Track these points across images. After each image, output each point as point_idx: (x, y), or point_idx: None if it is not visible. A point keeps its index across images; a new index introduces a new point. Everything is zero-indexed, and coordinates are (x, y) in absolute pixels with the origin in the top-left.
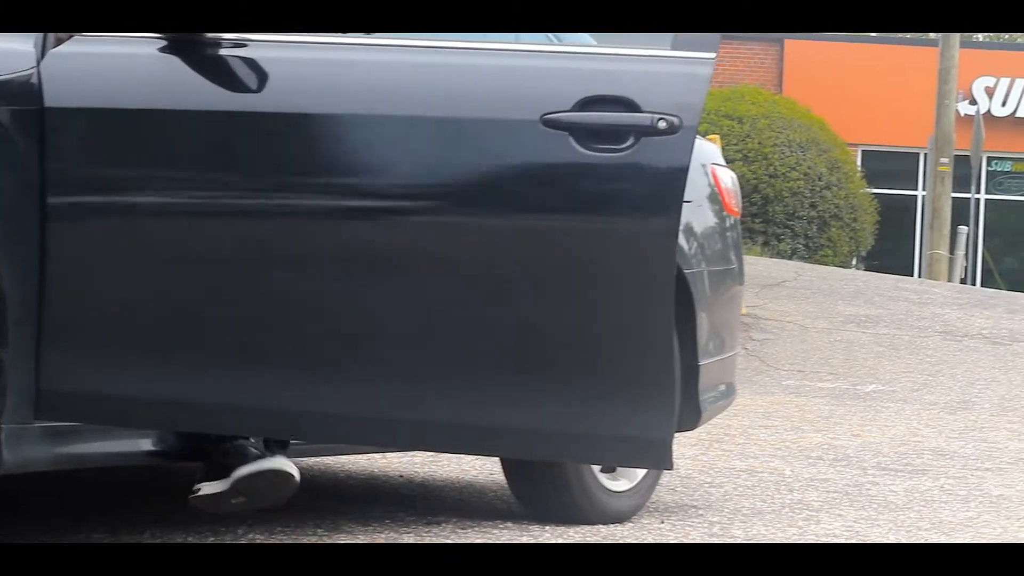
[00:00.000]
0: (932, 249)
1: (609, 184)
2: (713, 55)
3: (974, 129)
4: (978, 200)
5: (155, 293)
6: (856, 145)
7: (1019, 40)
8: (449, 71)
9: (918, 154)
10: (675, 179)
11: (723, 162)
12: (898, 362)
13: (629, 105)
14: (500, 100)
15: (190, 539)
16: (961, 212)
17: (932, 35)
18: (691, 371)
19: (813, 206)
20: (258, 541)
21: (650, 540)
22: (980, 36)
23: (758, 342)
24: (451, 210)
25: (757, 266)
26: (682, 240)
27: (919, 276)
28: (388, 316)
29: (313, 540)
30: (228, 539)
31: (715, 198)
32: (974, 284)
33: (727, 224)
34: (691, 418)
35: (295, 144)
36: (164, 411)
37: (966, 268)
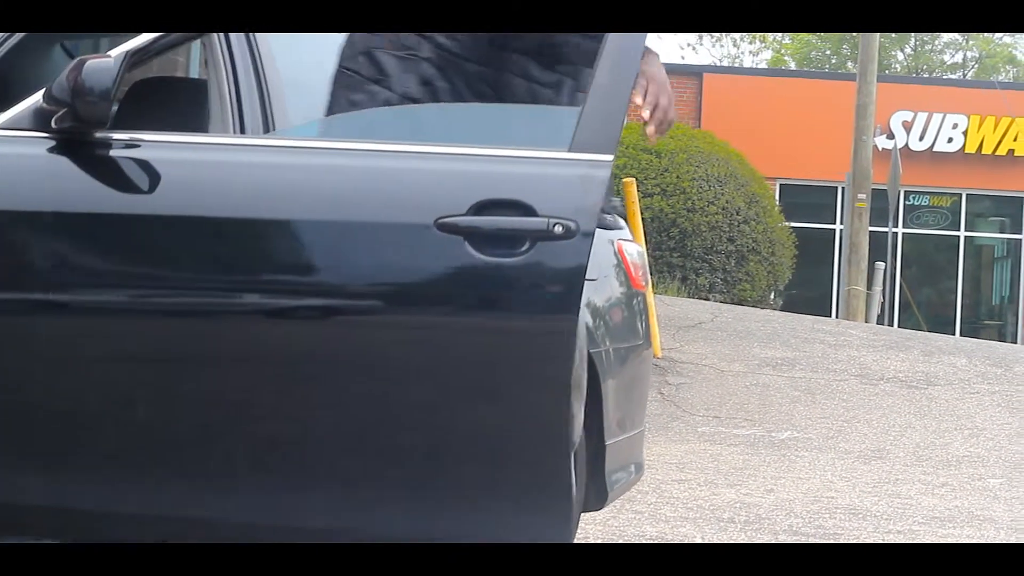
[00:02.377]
0: (850, 285)
1: (505, 288)
2: (611, 157)
3: (891, 165)
4: (896, 234)
5: (32, 396)
6: (774, 179)
7: (936, 74)
8: (344, 173)
9: (836, 188)
10: (572, 282)
11: (629, 236)
12: (813, 407)
13: (525, 209)
14: (394, 204)
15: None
16: (879, 245)
17: (851, 68)
18: (598, 451)
19: (731, 240)
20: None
21: None
22: (898, 67)
23: (674, 387)
24: (346, 314)
25: (674, 307)
26: (588, 318)
27: (837, 309)
28: (283, 420)
29: None
30: None
31: (621, 273)
32: (891, 319)
33: (634, 298)
34: (598, 499)
35: (188, 247)
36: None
37: (883, 304)
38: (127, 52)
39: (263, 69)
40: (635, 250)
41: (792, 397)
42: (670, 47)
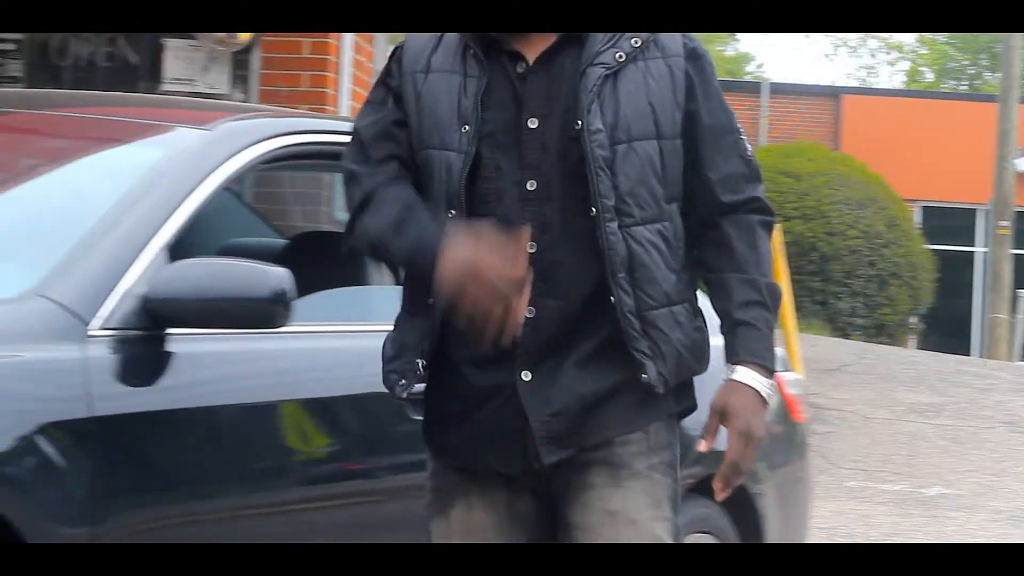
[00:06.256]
0: (992, 313)
1: None
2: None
3: None
4: None
5: None
6: (914, 201)
7: None
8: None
9: (975, 209)
10: None
11: (785, 366)
12: (962, 459)
13: None
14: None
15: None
16: (1022, 268)
17: (988, 79)
18: None
19: (872, 264)
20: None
21: None
22: None
23: (820, 435)
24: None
25: (817, 347)
26: None
27: (981, 334)
28: None
29: None
30: None
31: (782, 407)
32: None
33: (795, 431)
34: None
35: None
36: None
37: None
38: None
39: None
40: (792, 378)
41: (939, 447)
42: (809, 56)
